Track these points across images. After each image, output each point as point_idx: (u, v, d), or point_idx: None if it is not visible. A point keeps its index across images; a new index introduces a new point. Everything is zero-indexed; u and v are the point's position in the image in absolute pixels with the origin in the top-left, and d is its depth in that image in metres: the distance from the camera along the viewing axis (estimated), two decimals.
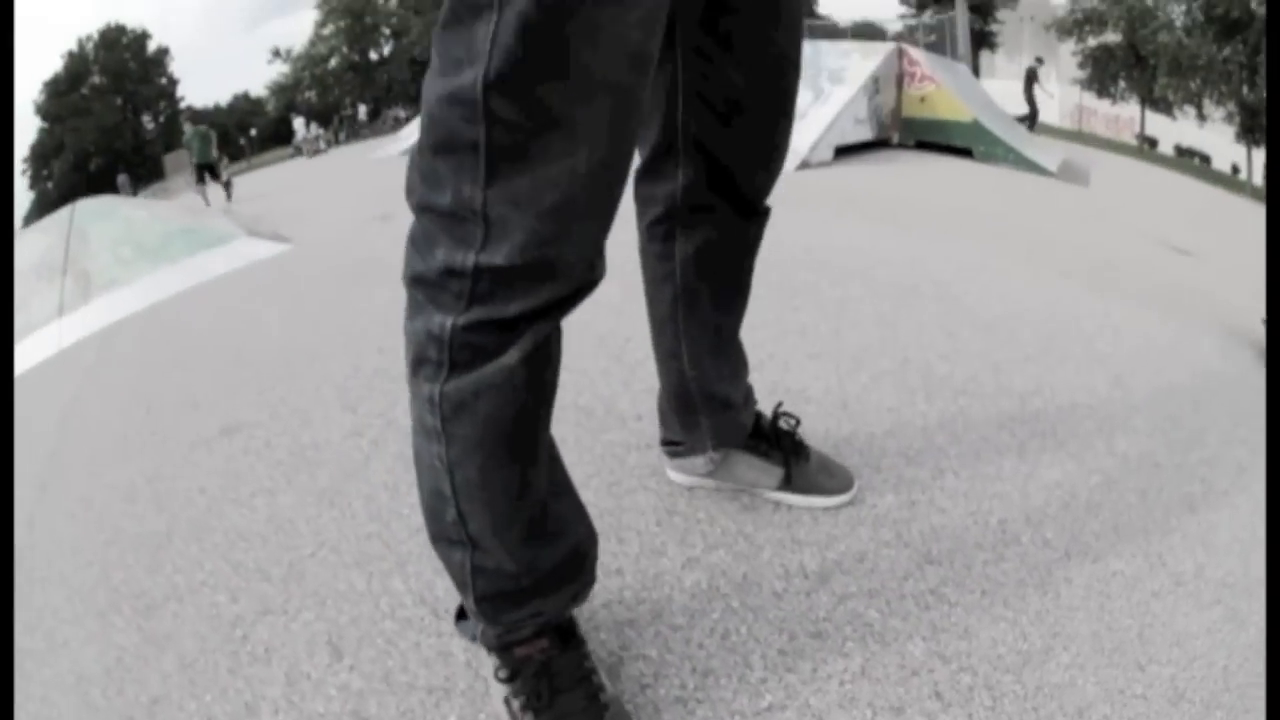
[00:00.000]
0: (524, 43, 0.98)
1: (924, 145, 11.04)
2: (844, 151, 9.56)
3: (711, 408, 1.81)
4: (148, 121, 66.16)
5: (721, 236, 1.63)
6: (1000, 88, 56.57)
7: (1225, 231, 9.20)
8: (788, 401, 2.11)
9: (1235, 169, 31.78)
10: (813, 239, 2.78)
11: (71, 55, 63.08)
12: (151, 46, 67.27)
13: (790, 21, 1.49)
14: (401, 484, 2.24)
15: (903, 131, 11.22)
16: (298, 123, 49.49)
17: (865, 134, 10.24)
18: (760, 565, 1.77)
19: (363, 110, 55.58)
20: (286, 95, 55.24)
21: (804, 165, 8.90)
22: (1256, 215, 15.76)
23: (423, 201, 1.11)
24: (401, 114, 52.71)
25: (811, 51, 10.69)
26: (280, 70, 56.24)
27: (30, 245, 7.39)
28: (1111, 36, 35.31)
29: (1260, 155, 30.44)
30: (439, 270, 1.10)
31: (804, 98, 9.10)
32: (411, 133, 19.42)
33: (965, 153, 10.71)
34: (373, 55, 55.80)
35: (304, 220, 8.58)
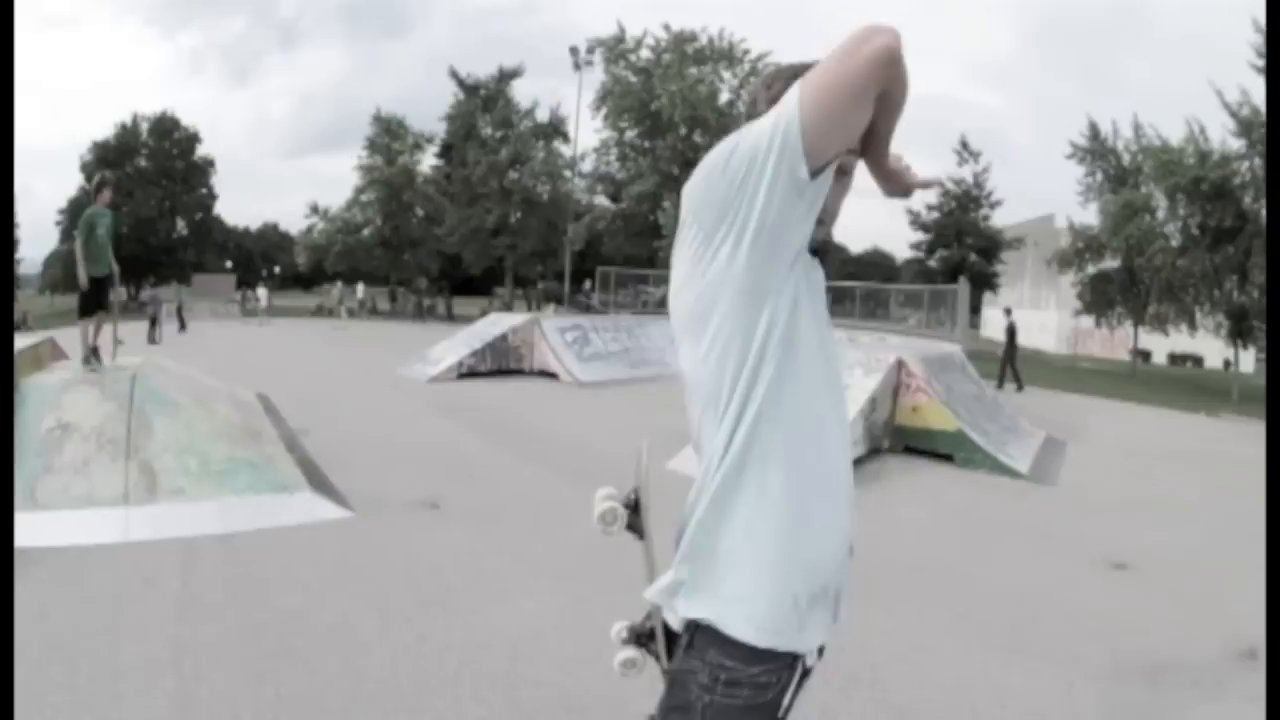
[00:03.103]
0: None
1: (910, 449, 12.21)
2: None
3: None
4: (182, 227, 67.59)
5: None
6: (1001, 317, 58.19)
7: (1177, 508, 10.29)
8: None
9: (1228, 364, 34.17)
10: None
11: (124, 128, 64.55)
12: (198, 153, 69.10)
13: None
14: None
15: (893, 438, 12.33)
16: (263, 293, 49.58)
17: (858, 453, 11.08)
18: None
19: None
20: (319, 254, 56.53)
21: None
22: (1237, 434, 17.69)
23: None
24: (427, 302, 54.06)
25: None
26: (315, 225, 57.53)
27: (91, 404, 7.88)
28: (1109, 263, 36.66)
29: (1245, 354, 32.93)
30: None
31: None
32: (442, 355, 20.21)
33: (948, 457, 11.86)
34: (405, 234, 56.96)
35: (352, 466, 9.30)
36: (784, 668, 1.85)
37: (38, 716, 3.84)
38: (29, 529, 6.16)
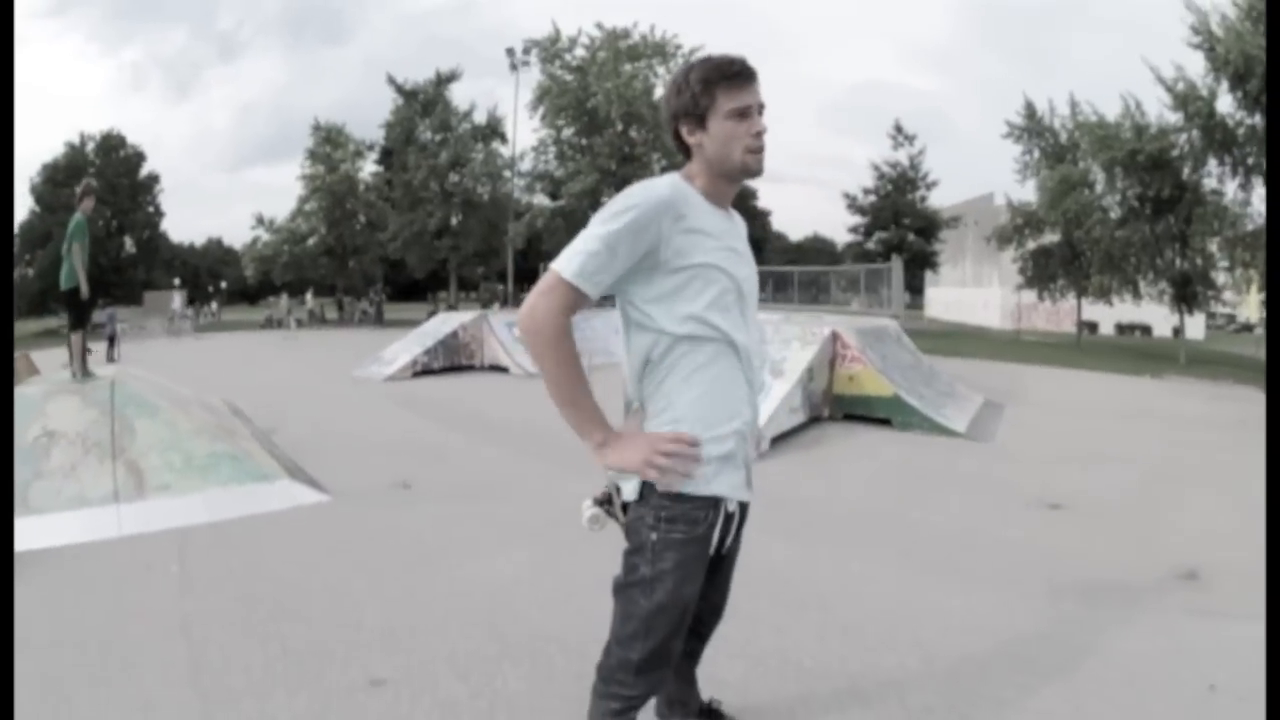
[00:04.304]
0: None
1: (850, 417, 12.76)
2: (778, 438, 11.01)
3: (684, 706, 3.57)
4: (130, 245, 67.18)
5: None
6: (944, 295, 58.69)
7: (1115, 458, 10.77)
8: (709, 685, 3.73)
9: (1177, 331, 34.45)
10: (747, 558, 4.31)
11: (72, 148, 64.01)
12: (143, 170, 68.68)
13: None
14: None
15: (832, 407, 12.90)
16: (178, 298, 50.45)
17: (799, 419, 11.79)
18: None
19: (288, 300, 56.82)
20: (266, 264, 56.52)
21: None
22: (1182, 392, 18.44)
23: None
24: (369, 309, 54.05)
25: (758, 339, 12.48)
26: (261, 237, 57.52)
27: (74, 411, 8.13)
28: (1050, 237, 37.24)
29: (1189, 320, 33.55)
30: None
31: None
32: (395, 355, 20.67)
33: (886, 421, 12.40)
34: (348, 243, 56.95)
35: (323, 458, 9.69)
36: (709, 507, 2.73)
37: (55, 696, 4.09)
38: (24, 533, 6.38)
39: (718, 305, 2.73)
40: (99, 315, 29.85)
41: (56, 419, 8.02)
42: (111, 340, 29.06)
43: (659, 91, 50.23)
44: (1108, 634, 5.08)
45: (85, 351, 9.78)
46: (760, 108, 2.74)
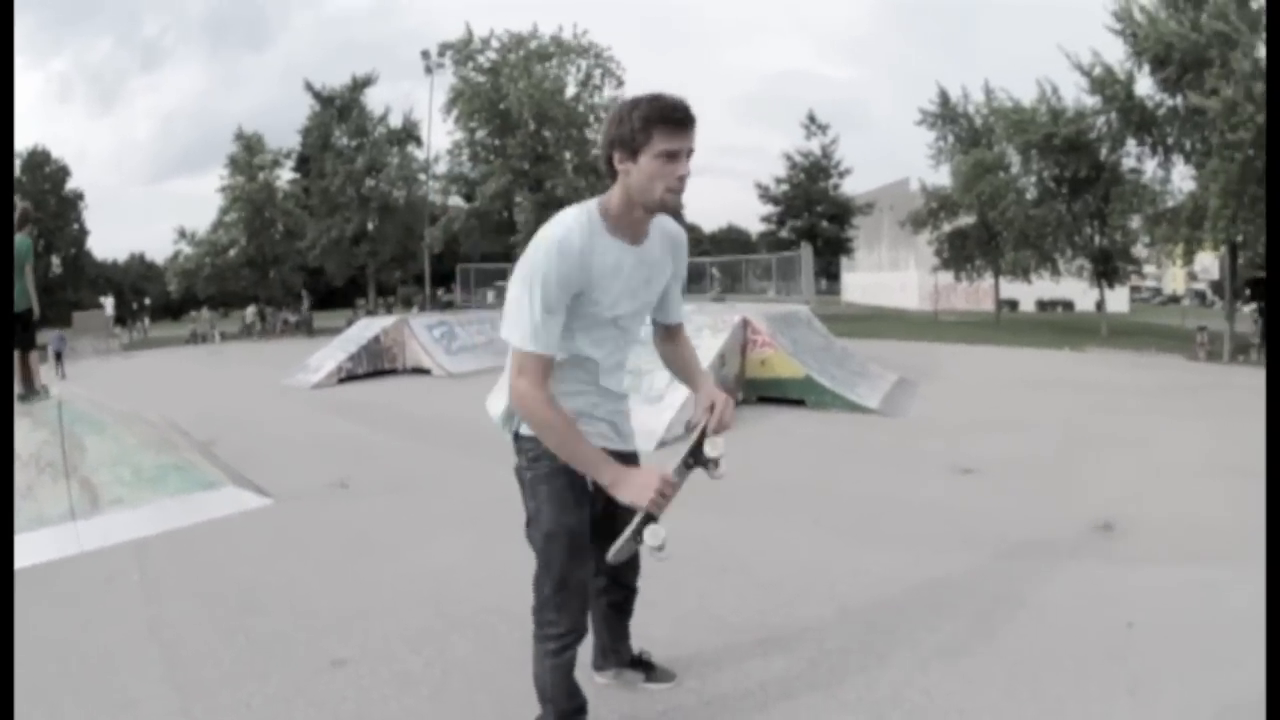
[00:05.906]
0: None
1: (765, 399, 13.26)
2: None
3: (618, 655, 4.09)
4: (57, 265, 65.77)
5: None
6: (860, 280, 59.48)
7: (1029, 425, 11.36)
8: (641, 641, 4.20)
9: (1099, 305, 35.31)
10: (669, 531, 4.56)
11: None
12: (68, 186, 67.14)
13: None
14: (466, 697, 4.22)
15: (746, 390, 13.37)
16: (109, 305, 50.38)
17: None
18: (639, 704, 3.91)
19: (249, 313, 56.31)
20: (189, 278, 55.63)
21: (661, 445, 9.85)
22: (1102, 362, 18.91)
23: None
24: (291, 318, 53.39)
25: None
26: (183, 251, 56.61)
27: (25, 433, 8.08)
28: (965, 219, 38.01)
29: (1112, 293, 34.98)
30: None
31: (660, 379, 10.45)
32: (321, 363, 20.67)
33: (800, 402, 12.93)
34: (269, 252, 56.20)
35: (262, 465, 9.94)
36: None
37: (43, 704, 4.30)
38: None
39: (592, 339, 3.24)
40: (46, 336, 29.79)
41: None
42: (59, 357, 29.65)
43: (570, 90, 50.64)
44: (1022, 582, 5.51)
45: (37, 372, 9.94)
46: (689, 153, 2.99)
